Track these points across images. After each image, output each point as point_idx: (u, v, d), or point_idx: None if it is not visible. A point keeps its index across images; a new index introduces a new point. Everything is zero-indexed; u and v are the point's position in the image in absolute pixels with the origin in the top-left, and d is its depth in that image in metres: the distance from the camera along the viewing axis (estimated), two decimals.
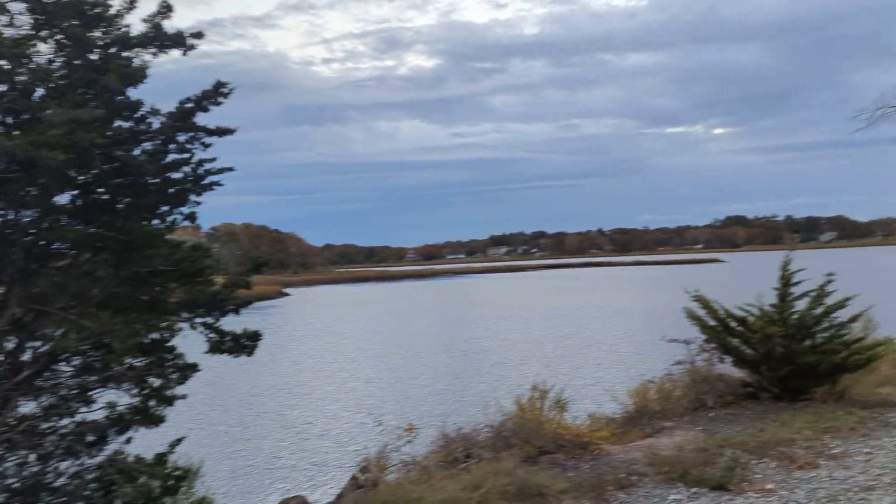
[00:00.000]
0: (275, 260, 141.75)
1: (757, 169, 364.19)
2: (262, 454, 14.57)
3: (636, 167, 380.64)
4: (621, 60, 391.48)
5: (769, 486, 7.09)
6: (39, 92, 5.38)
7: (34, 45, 5.38)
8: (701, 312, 11.42)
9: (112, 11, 5.72)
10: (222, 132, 6.09)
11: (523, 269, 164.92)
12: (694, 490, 7.03)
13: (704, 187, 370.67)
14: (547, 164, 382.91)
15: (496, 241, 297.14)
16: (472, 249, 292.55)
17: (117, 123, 5.75)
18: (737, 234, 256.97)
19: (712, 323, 11.33)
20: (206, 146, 6.11)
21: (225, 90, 6.14)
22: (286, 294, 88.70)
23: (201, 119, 6.16)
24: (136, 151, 5.87)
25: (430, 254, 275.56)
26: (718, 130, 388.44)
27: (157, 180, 5.90)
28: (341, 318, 50.53)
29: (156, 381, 5.96)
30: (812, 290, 11.20)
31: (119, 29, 5.79)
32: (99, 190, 5.79)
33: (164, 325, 5.93)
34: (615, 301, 54.23)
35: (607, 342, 29.63)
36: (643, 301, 52.14)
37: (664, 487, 7.15)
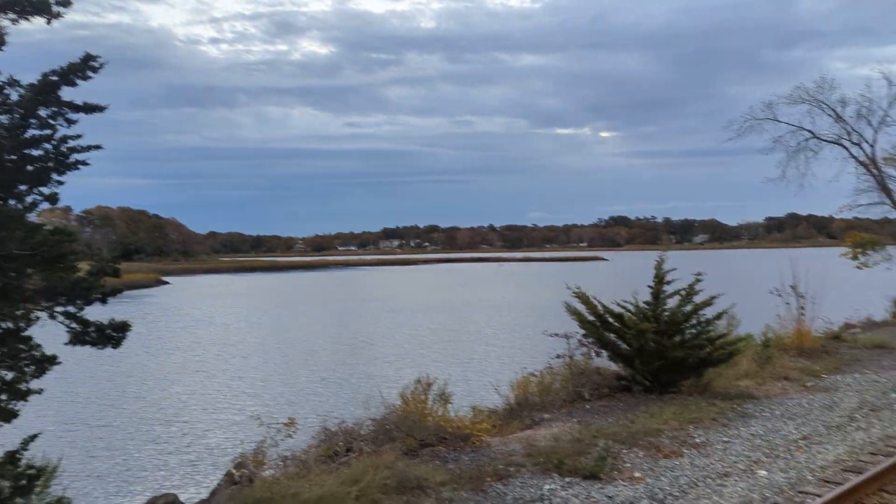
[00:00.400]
0: (152, 246, 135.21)
1: (639, 172, 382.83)
2: (131, 452, 13.82)
3: (527, 166, 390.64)
4: (515, 60, 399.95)
5: (637, 475, 7.44)
6: None
7: None
8: (581, 308, 11.82)
9: None
10: (90, 108, 5.67)
11: (415, 262, 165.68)
12: (568, 479, 7.27)
13: (591, 188, 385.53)
14: (441, 158, 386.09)
15: (388, 233, 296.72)
16: (364, 241, 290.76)
17: None
18: (619, 233, 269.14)
19: (591, 318, 11.76)
20: (72, 123, 5.68)
21: (95, 64, 5.73)
22: (165, 283, 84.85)
23: (69, 94, 5.73)
24: None
25: (321, 244, 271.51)
26: (605, 134, 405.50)
27: (14, 157, 5.43)
28: (222, 308, 48.84)
29: (8, 374, 5.50)
30: (682, 289, 11.83)
31: None
32: None
33: (19, 313, 5.48)
34: (502, 296, 55.44)
35: (493, 336, 30.23)
36: (529, 296, 53.60)
37: (540, 477, 7.35)
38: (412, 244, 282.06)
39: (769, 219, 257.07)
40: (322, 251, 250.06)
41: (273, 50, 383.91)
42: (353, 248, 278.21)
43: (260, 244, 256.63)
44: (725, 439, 8.79)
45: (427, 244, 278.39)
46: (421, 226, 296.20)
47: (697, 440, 8.74)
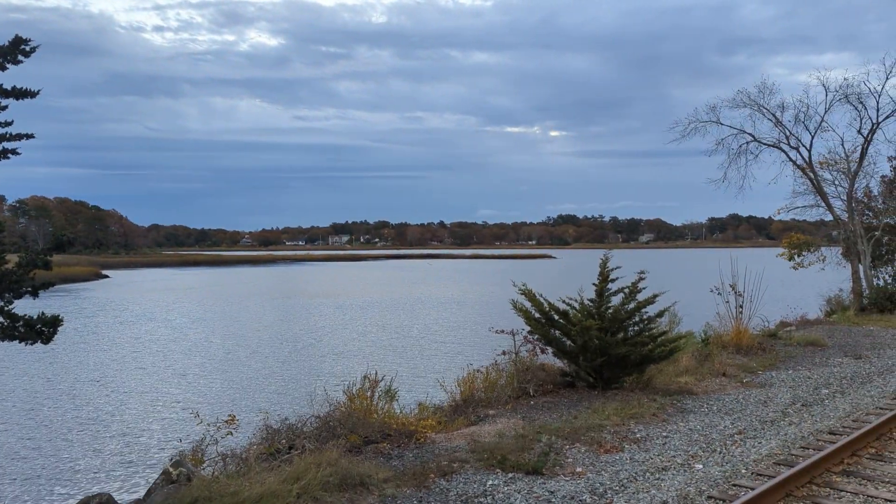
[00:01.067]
0: (91, 239, 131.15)
1: (587, 171, 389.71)
2: (63, 452, 13.34)
3: (478, 163, 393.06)
4: (466, 58, 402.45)
5: (579, 470, 7.53)
6: None
7: None
8: (527, 305, 11.92)
9: None
10: (20, 94, 5.45)
11: (365, 258, 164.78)
12: (511, 475, 7.31)
13: (540, 186, 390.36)
14: (391, 154, 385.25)
15: (338, 229, 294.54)
16: (313, 236, 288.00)
17: None
18: (567, 232, 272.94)
19: (537, 315, 11.86)
20: (1, 109, 5.44)
21: (26, 47, 5.50)
22: (105, 276, 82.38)
23: None
24: None
25: (268, 239, 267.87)
26: (554, 133, 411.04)
27: None
28: (164, 303, 47.67)
29: None
30: (626, 287, 12.04)
31: None
32: None
33: None
34: (451, 293, 55.60)
35: (441, 332, 30.28)
36: (477, 293, 53.88)
37: (483, 473, 7.37)
38: (362, 240, 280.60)
39: (712, 219, 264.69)
40: (269, 246, 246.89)
41: (220, 40, 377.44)
42: (301, 242, 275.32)
43: (205, 238, 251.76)
44: (665, 434, 8.98)
45: (377, 240, 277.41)
46: (371, 221, 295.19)
47: (638, 435, 8.90)
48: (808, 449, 8.23)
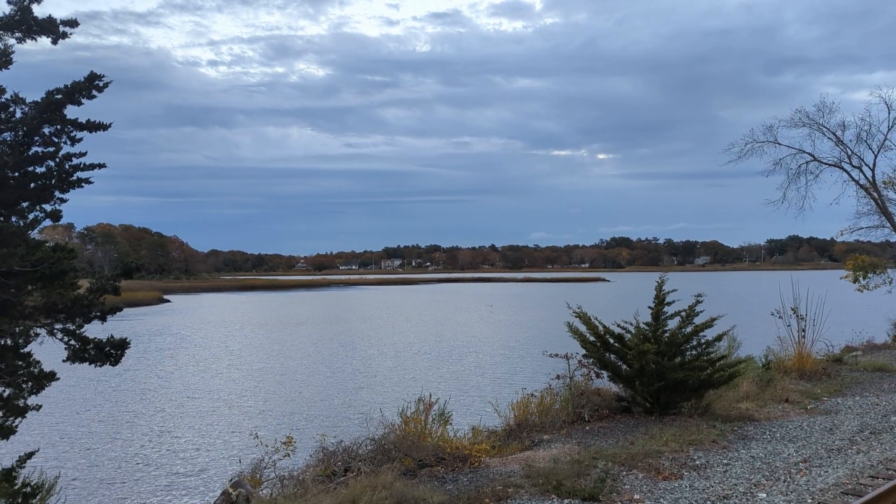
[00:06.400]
0: (154, 264, 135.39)
1: (637, 193, 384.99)
2: (130, 469, 13.73)
3: (526, 186, 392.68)
4: (509, 83, 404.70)
5: (636, 497, 7.39)
6: None
7: None
8: (582, 328, 11.80)
9: None
10: (94, 126, 5.75)
11: (416, 282, 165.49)
12: (567, 501, 7.22)
13: (591, 208, 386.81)
14: (440, 178, 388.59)
15: (390, 253, 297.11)
16: (366, 261, 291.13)
17: None
18: (621, 254, 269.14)
19: (592, 339, 11.73)
20: (76, 141, 5.75)
21: (100, 83, 5.81)
22: (167, 301, 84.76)
23: (72, 112, 5.80)
24: None
25: (322, 264, 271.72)
26: (601, 156, 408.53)
27: (17, 174, 5.48)
28: (223, 327, 48.75)
29: (6, 391, 5.50)
30: (683, 310, 11.82)
31: None
32: None
33: (18, 329, 5.49)
34: (504, 316, 55.33)
35: (493, 356, 30.13)
36: (530, 317, 53.48)
37: (538, 499, 7.30)
38: (413, 264, 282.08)
39: (771, 241, 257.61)
40: (323, 270, 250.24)
41: (271, 72, 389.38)
42: (354, 266, 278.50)
43: (262, 263, 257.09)
44: (725, 461, 8.74)
45: (428, 264, 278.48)
46: (422, 245, 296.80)
47: (697, 462, 8.69)
48: (877, 479, 7.89)
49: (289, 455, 8.38)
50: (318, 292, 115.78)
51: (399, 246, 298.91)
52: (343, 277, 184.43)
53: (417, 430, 9.27)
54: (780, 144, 25.34)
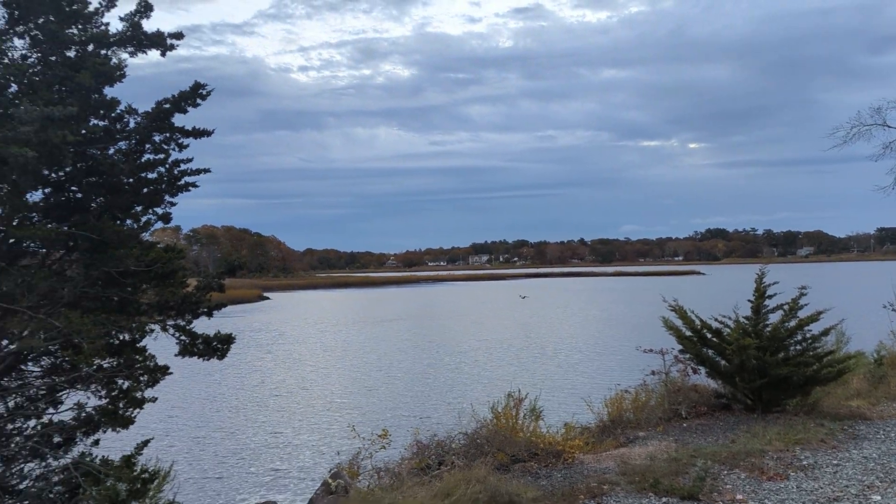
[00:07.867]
0: (254, 263, 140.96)
1: (732, 183, 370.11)
2: (235, 459, 14.41)
3: (615, 178, 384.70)
4: (594, 74, 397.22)
5: (739, 497, 7.14)
6: (12, 88, 5.31)
7: (9, 41, 5.32)
8: (678, 323, 11.49)
9: (90, 9, 5.67)
10: (199, 133, 6.06)
11: (505, 277, 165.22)
12: (664, 500, 7.06)
13: (684, 199, 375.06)
14: (526, 173, 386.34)
15: (477, 248, 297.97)
16: (454, 257, 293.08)
17: (92, 122, 5.70)
18: (716, 246, 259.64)
19: (688, 334, 11.40)
20: (182, 147, 6.08)
21: (203, 91, 6.12)
22: (266, 298, 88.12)
23: (178, 120, 6.14)
24: (111, 150, 5.82)
25: (412, 260, 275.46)
26: (693, 145, 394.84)
27: (131, 180, 5.85)
28: (320, 323, 50.27)
29: (125, 383, 5.89)
30: (786, 304, 11.30)
31: (97, 27, 5.75)
32: (72, 188, 5.74)
33: (134, 326, 5.87)
34: (595, 311, 54.49)
35: (586, 351, 29.74)
36: (622, 311, 52.43)
37: (635, 496, 7.17)
38: (501, 259, 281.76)
39: (881, 229, 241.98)
40: (413, 267, 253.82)
41: (358, 75, 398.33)
42: (442, 263, 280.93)
43: (354, 260, 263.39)
44: (835, 462, 8.31)
45: (516, 259, 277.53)
46: (509, 241, 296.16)
47: (804, 462, 8.30)
48: None
49: (384, 448, 8.57)
50: (408, 288, 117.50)
51: (486, 241, 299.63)
52: (432, 274, 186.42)
53: (509, 425, 9.28)
54: (889, 127, 23.79)
